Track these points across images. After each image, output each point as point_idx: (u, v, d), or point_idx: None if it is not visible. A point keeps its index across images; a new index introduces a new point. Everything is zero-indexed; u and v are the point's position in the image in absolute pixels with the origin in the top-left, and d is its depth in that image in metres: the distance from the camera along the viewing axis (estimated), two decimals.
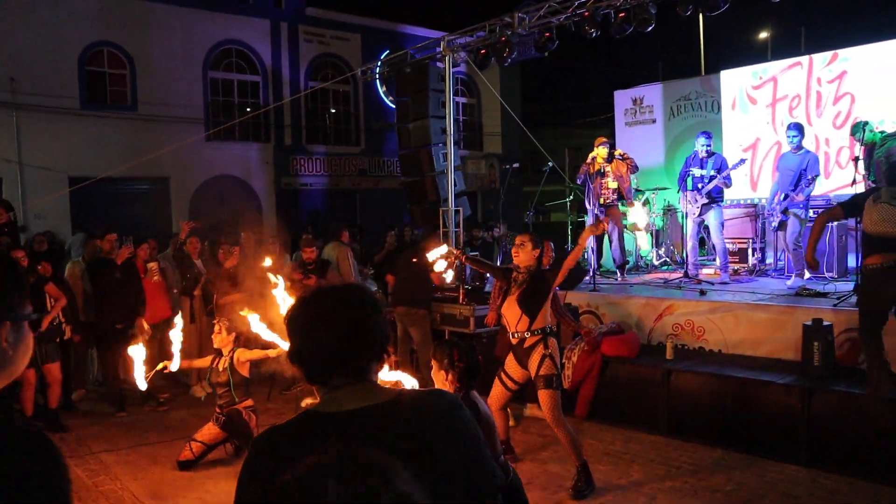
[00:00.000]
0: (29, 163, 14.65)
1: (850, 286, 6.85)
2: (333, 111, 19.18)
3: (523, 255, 5.16)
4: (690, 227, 8.63)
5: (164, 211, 16.49)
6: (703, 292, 7.55)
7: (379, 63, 11.38)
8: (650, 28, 7.38)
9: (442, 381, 3.50)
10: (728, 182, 8.41)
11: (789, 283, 7.79)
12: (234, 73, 17.48)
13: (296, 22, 18.21)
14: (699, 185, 8.35)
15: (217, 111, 16.94)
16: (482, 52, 9.01)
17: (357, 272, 8.61)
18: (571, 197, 11.00)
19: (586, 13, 7.59)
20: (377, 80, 18.01)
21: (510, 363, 5.27)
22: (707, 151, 8.38)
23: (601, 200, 9.10)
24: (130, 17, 15.76)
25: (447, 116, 9.27)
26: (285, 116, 18.03)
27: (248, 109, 17.66)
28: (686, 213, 8.68)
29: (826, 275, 7.97)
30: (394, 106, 14.51)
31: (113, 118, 15.52)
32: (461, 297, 7.95)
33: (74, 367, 8.13)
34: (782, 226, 7.93)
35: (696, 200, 8.40)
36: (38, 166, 14.58)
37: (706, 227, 8.83)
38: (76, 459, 6.08)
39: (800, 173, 7.71)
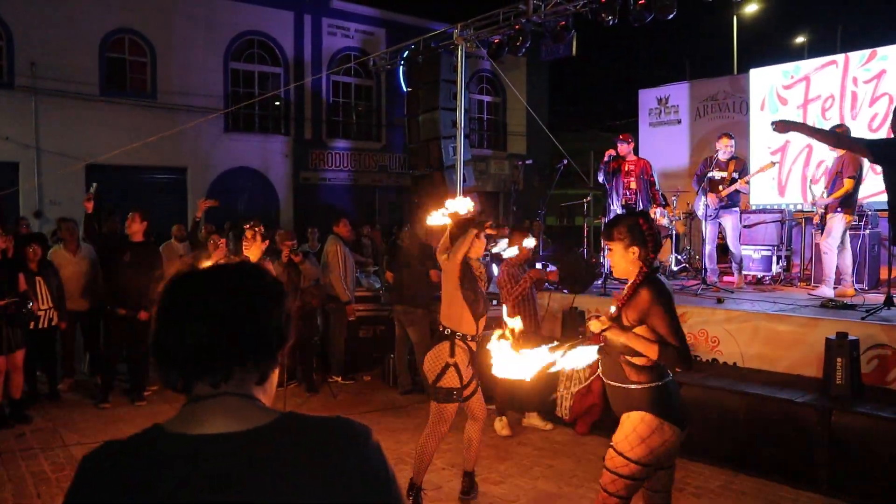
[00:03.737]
0: (46, 148, 14.60)
1: (880, 298, 6.32)
2: (355, 105, 18.90)
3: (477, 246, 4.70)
4: (708, 231, 8.19)
5: (180, 201, 16.36)
6: (720, 300, 7.07)
7: (388, 53, 11.03)
8: (671, 15, 6.93)
9: (629, 261, 3.18)
10: (745, 188, 8.02)
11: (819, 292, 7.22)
12: (255, 64, 17.32)
13: (320, 14, 18.01)
14: (719, 188, 7.93)
15: (237, 102, 16.76)
16: (496, 41, 8.61)
17: (351, 267, 8.21)
18: (590, 198, 10.56)
19: None
20: (400, 76, 17.76)
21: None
22: (729, 154, 8.00)
23: (623, 201, 8.69)
24: (153, 4, 15.69)
25: (458, 108, 8.88)
26: (306, 109, 17.82)
27: (277, 103, 17.48)
28: (704, 217, 8.23)
29: (856, 286, 7.42)
30: None
31: (132, 106, 15.44)
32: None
33: (63, 356, 7.92)
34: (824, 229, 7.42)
35: (715, 204, 7.98)
36: (56, 152, 14.52)
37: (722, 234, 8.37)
38: (46, 451, 5.82)
39: (835, 174, 7.20)
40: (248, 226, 5.94)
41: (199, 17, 16.26)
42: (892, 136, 6.21)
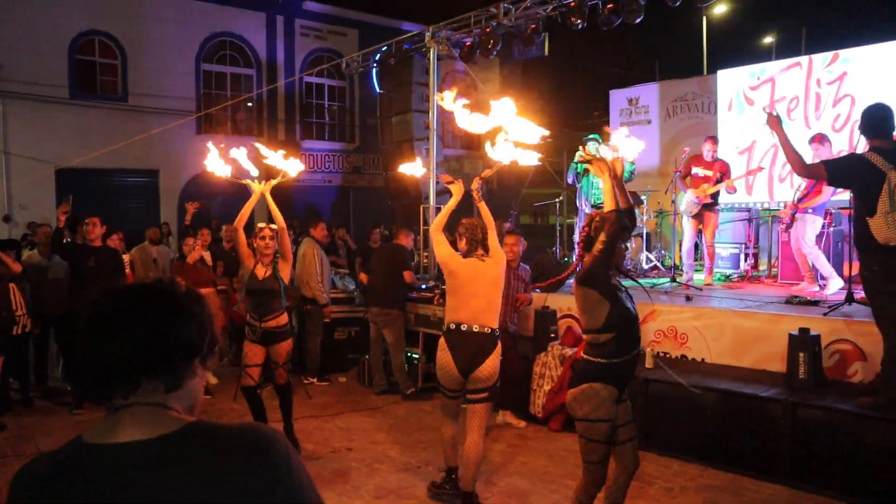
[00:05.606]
0: (14, 151, 14.42)
1: (842, 295, 6.51)
2: (328, 106, 18.90)
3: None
4: (689, 228, 8.37)
5: (153, 203, 16.26)
6: (689, 298, 7.22)
7: (360, 56, 11.08)
8: (639, 20, 7.06)
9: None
10: (732, 190, 8.43)
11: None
12: (227, 66, 17.24)
13: (292, 15, 17.99)
14: (703, 186, 8.14)
15: (209, 104, 16.66)
16: (468, 43, 8.70)
17: (328, 270, 8.27)
18: (562, 198, 10.69)
19: (572, 3, 7.28)
20: (373, 77, 17.81)
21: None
22: (713, 156, 8.24)
23: (592, 201, 8.83)
24: (123, 6, 15.56)
25: (431, 111, 8.96)
26: (279, 111, 17.77)
27: (250, 105, 17.40)
28: (685, 213, 8.42)
29: (819, 282, 7.61)
30: None
31: (102, 108, 15.31)
32: (436, 298, 7.63)
33: (35, 362, 7.86)
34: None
35: (698, 201, 8.17)
36: (24, 155, 14.34)
37: (699, 231, 8.55)
38: (21, 458, 5.79)
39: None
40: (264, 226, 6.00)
41: (169, 19, 16.15)
42: (860, 135, 6.37)
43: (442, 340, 4.65)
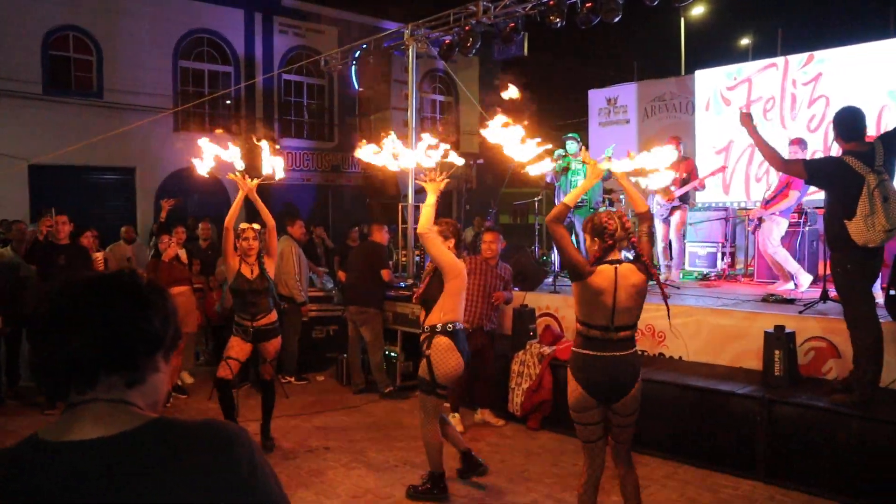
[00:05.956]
0: None
1: (817, 293, 6.57)
2: (307, 104, 18.77)
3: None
4: (661, 230, 8.41)
5: (129, 202, 16.06)
6: (666, 296, 7.25)
7: (339, 53, 11.01)
8: (617, 18, 7.09)
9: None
10: (702, 189, 8.48)
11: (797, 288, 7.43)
12: (205, 63, 17.05)
13: (271, 12, 17.83)
14: (669, 188, 8.16)
15: (187, 101, 16.48)
16: (447, 42, 8.69)
17: (305, 268, 8.21)
18: (541, 197, 10.70)
19: (551, 2, 7.29)
20: (352, 75, 17.72)
21: None
22: (678, 157, 8.27)
23: None
24: (98, 1, 15.32)
25: (409, 108, 8.93)
26: (257, 109, 17.62)
27: (228, 102, 17.24)
28: (657, 216, 8.45)
29: (794, 280, 7.68)
30: None
31: (77, 105, 15.06)
32: (414, 297, 7.60)
33: (7, 360, 7.73)
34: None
35: (667, 203, 8.21)
36: None
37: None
38: None
39: (784, 184, 7.42)
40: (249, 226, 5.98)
41: (146, 15, 15.94)
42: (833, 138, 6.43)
43: (448, 341, 4.68)
